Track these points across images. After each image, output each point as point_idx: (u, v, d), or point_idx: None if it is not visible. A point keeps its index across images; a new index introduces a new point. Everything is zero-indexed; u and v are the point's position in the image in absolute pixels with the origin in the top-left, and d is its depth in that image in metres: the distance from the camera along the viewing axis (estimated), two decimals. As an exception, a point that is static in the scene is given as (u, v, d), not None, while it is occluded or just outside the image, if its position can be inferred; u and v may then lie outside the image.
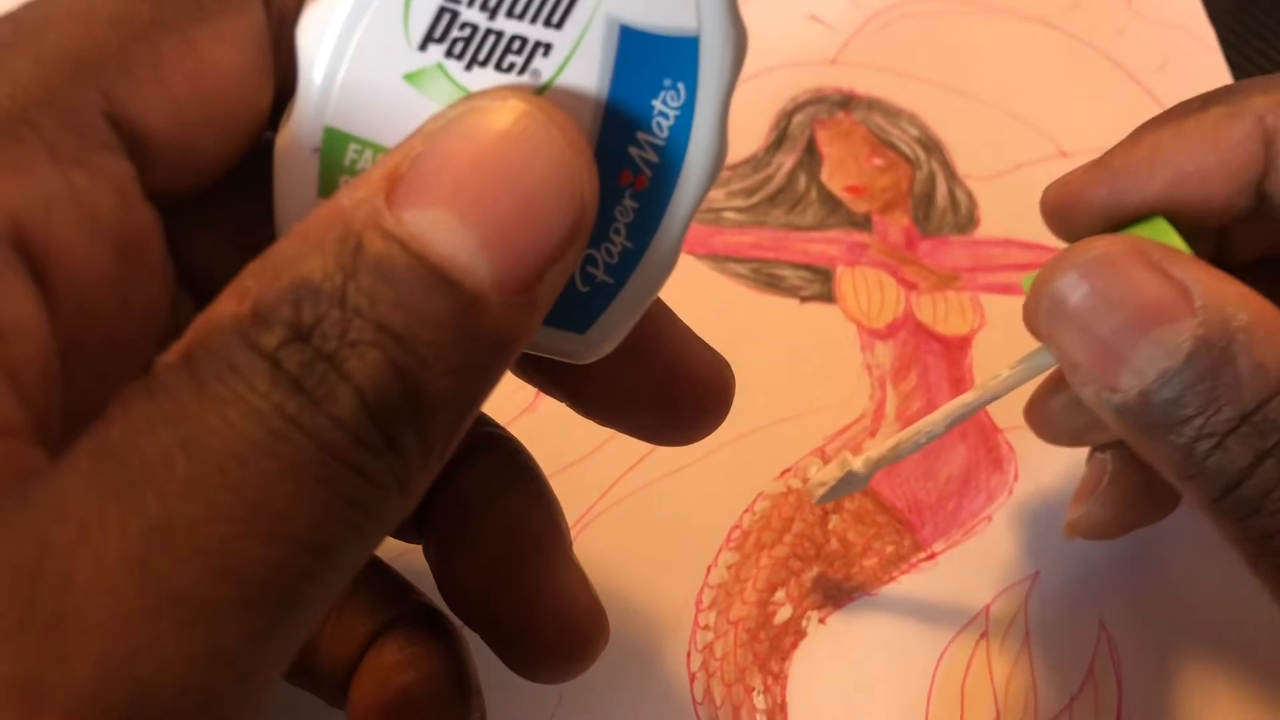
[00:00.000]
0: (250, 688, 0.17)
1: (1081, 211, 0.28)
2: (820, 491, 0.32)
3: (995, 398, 0.29)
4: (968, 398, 0.29)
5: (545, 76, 0.20)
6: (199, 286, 0.22)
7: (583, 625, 0.26)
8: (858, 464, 0.31)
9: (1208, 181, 0.27)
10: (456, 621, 0.27)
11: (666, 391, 0.26)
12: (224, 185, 0.22)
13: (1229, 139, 0.27)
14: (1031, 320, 0.26)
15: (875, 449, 0.31)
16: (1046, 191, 0.29)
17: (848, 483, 0.31)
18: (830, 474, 0.32)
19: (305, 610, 0.17)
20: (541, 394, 0.28)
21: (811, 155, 0.42)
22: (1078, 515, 0.33)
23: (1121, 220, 0.28)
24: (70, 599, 0.15)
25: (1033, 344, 0.27)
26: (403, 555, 0.29)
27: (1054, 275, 0.25)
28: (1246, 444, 0.23)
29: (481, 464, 0.26)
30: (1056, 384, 0.32)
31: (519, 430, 0.29)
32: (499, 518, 0.26)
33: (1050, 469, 0.36)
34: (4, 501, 0.16)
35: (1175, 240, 0.26)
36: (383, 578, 0.28)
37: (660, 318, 0.25)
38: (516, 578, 0.26)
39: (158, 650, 0.15)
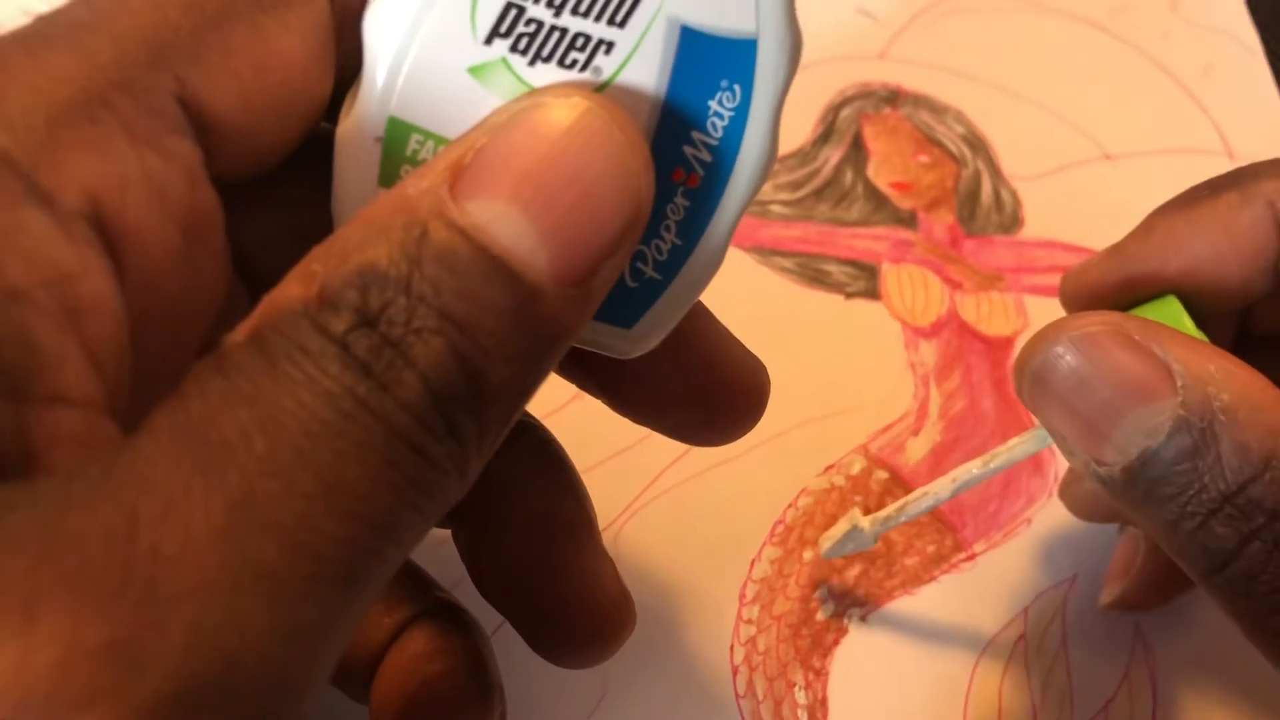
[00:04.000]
0: (321, 662, 0.17)
1: (1099, 301, 0.29)
2: (827, 545, 0.33)
3: (1003, 468, 0.29)
4: (975, 467, 0.30)
5: (606, 74, 0.20)
6: (249, 273, 0.23)
7: (610, 612, 0.27)
8: (865, 522, 0.32)
9: (1223, 267, 0.27)
10: (494, 618, 0.27)
11: (703, 392, 0.26)
12: (277, 175, 0.22)
13: (1240, 225, 0.27)
14: (1018, 392, 0.26)
15: (883, 510, 0.31)
16: (1065, 280, 0.30)
17: (853, 538, 0.32)
18: (839, 529, 0.32)
19: (369, 588, 0.18)
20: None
21: (858, 150, 0.42)
22: (1115, 596, 0.33)
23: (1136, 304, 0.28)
24: (161, 569, 0.15)
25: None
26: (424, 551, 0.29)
27: (1036, 351, 0.25)
28: (1231, 525, 0.23)
29: (512, 452, 0.27)
30: None
31: (568, 417, 0.29)
32: (529, 504, 0.26)
33: (1090, 473, 0.36)
34: (91, 473, 0.16)
35: (1184, 318, 0.27)
36: (408, 573, 0.28)
37: (700, 318, 0.26)
38: (546, 563, 0.26)
39: (242, 623, 0.16)
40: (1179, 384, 0.23)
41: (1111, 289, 0.28)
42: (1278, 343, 0.30)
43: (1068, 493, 0.34)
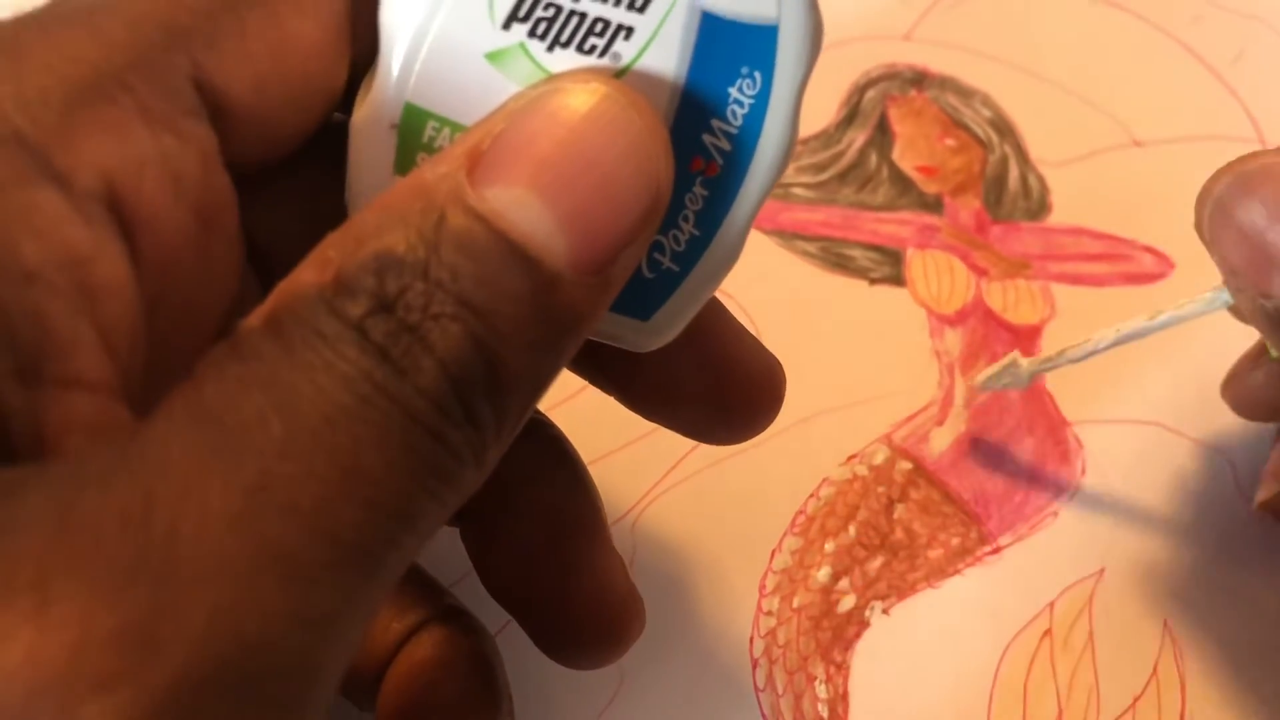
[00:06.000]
0: (339, 651, 0.17)
1: None
2: (982, 378, 0.34)
3: (1171, 323, 0.30)
4: (1143, 319, 0.31)
5: (625, 60, 0.20)
6: (261, 264, 0.22)
7: (619, 612, 0.26)
8: (1024, 361, 0.34)
9: None
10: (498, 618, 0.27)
11: (717, 389, 0.26)
12: (290, 165, 0.22)
13: None
14: (1198, 227, 0.27)
15: (1041, 354, 0.34)
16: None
17: (1010, 373, 0.34)
18: (998, 365, 0.34)
19: (387, 576, 0.17)
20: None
21: (883, 133, 0.41)
22: (1269, 495, 0.33)
23: None
24: (178, 552, 0.15)
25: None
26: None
27: (1218, 183, 0.26)
28: None
29: (522, 448, 0.26)
30: (1256, 359, 0.33)
31: (585, 402, 0.28)
32: (538, 502, 0.26)
33: (1118, 464, 0.36)
34: (105, 454, 0.16)
35: None
36: (415, 578, 0.28)
37: (715, 313, 0.25)
38: (555, 561, 0.26)
39: (260, 608, 0.16)
40: None
41: None
42: None
43: (1230, 388, 0.35)
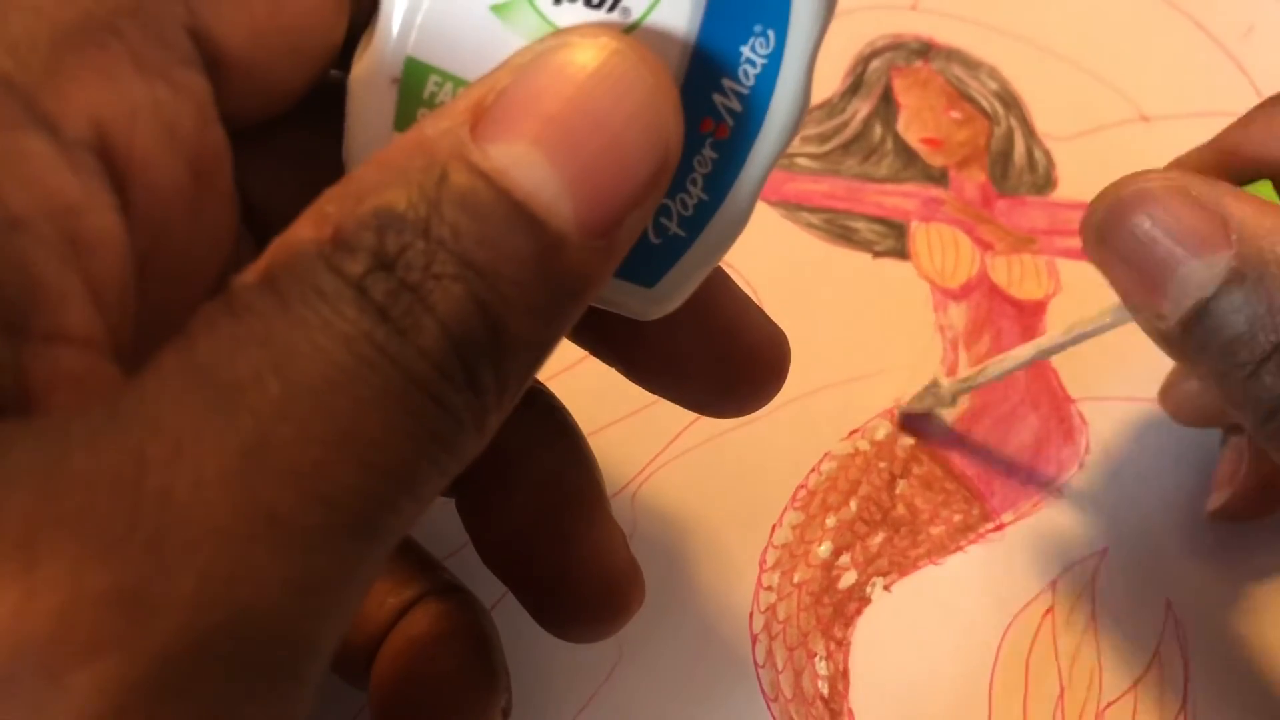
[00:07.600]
0: (335, 618, 0.16)
1: None
2: (906, 400, 0.34)
3: (1085, 338, 0.30)
4: (1058, 334, 0.31)
5: (635, 15, 0.20)
6: (255, 225, 0.22)
7: (618, 584, 0.26)
8: (945, 381, 0.34)
9: None
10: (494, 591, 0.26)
11: (722, 361, 0.25)
12: (286, 123, 0.21)
13: None
14: (1085, 247, 0.27)
15: (963, 371, 0.34)
16: (1167, 168, 0.30)
17: (932, 393, 0.34)
18: (919, 389, 0.35)
19: (384, 543, 0.17)
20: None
21: (888, 103, 0.41)
22: (1221, 503, 0.33)
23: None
24: (171, 514, 0.15)
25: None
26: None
27: (1099, 207, 0.26)
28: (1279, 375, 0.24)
29: (519, 419, 0.26)
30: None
31: (584, 373, 0.28)
32: (536, 472, 0.26)
33: (1122, 443, 0.35)
34: (94, 412, 0.15)
35: (1276, 200, 0.27)
36: (411, 553, 0.27)
37: (720, 283, 0.25)
38: (552, 533, 0.26)
39: (254, 573, 0.15)
40: (1233, 236, 0.24)
41: (1207, 174, 0.28)
42: None
43: (1168, 395, 0.35)
